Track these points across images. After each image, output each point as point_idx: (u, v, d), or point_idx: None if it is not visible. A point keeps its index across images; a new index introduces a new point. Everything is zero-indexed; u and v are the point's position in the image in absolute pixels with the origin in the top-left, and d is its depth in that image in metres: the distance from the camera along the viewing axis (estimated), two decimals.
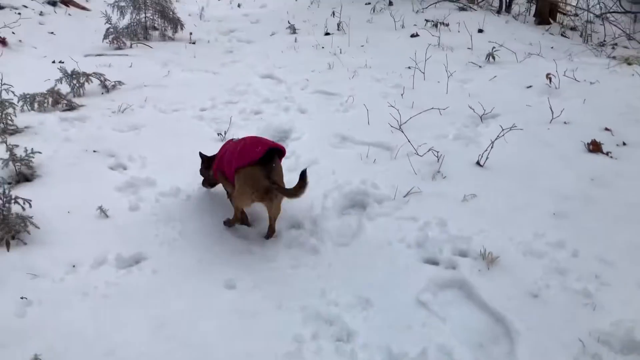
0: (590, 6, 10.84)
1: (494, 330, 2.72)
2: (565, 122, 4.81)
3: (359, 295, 2.96)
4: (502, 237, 3.33)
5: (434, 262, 3.20)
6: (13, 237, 3.23)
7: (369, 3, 10.71)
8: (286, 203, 3.49)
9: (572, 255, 3.16)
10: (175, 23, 9.15)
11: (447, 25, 8.82)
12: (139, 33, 8.71)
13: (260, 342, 2.66)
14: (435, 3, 10.28)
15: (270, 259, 3.29)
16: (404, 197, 3.81)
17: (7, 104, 4.49)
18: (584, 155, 4.30)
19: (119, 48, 8.07)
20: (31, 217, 3.30)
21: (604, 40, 9.39)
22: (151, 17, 8.98)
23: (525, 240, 3.29)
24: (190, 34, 9.26)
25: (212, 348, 2.62)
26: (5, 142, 3.90)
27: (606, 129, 4.67)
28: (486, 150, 4.18)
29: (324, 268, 3.20)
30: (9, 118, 4.53)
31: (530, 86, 5.82)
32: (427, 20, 9.02)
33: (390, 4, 10.61)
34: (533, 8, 11.41)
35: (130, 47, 8.20)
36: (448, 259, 3.19)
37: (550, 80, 5.71)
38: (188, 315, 2.80)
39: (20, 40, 7.47)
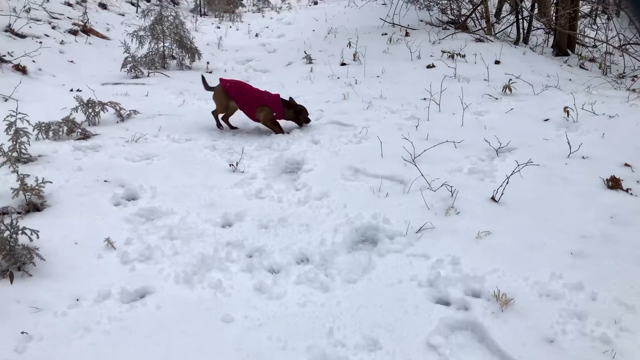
0: (609, 37, 10.78)
1: None
2: (583, 157, 4.71)
3: (367, 335, 2.84)
4: (517, 277, 3.21)
5: (446, 303, 3.08)
6: (19, 269, 3.20)
7: (386, 34, 10.77)
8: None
9: (591, 298, 3.03)
10: (193, 52, 9.28)
11: (464, 56, 8.80)
12: (156, 62, 8.84)
13: None
14: (452, 34, 10.29)
15: (278, 296, 3.20)
16: (416, 233, 3.72)
17: (21, 132, 4.52)
18: (602, 191, 4.19)
19: (136, 77, 8.18)
20: (37, 249, 3.27)
21: (624, 72, 9.31)
22: (169, 47, 9.11)
23: (541, 281, 3.16)
24: (208, 63, 9.38)
25: None
26: (17, 172, 3.90)
27: (626, 165, 4.56)
28: (501, 185, 4.08)
29: (333, 306, 3.10)
30: (23, 147, 4.56)
31: (547, 119, 5.74)
32: (443, 51, 9.02)
33: (407, 34, 10.65)
34: (551, 39, 11.39)
35: (148, 76, 8.31)
36: (460, 300, 3.07)
37: (568, 114, 5.63)
38: (191, 353, 2.72)
39: (40, 69, 7.59)
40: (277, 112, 5.89)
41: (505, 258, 3.40)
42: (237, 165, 4.90)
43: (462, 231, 3.71)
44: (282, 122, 6.03)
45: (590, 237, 3.60)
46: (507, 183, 4.08)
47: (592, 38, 11.90)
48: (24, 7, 9.46)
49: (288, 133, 5.85)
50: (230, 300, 3.15)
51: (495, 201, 4.07)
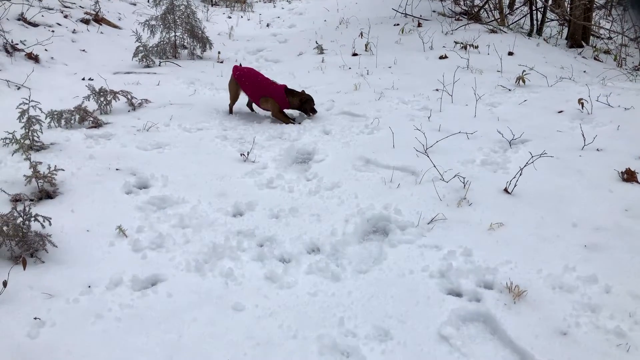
0: (625, 29, 10.64)
1: None
2: (598, 149, 4.65)
3: (379, 326, 2.83)
4: (530, 269, 3.18)
5: (457, 294, 3.06)
6: (32, 255, 3.21)
7: (398, 24, 10.70)
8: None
9: (605, 290, 3.00)
10: (204, 42, 9.27)
11: (477, 47, 8.73)
12: (168, 51, 8.83)
13: None
14: (465, 25, 10.20)
15: (289, 285, 3.19)
16: (428, 224, 3.70)
17: (34, 120, 4.53)
18: (617, 184, 4.14)
19: (147, 66, 8.18)
20: (50, 236, 3.29)
21: (639, 65, 9.18)
22: (180, 36, 9.10)
23: (554, 274, 3.14)
24: (219, 53, 9.36)
25: None
26: (29, 159, 3.92)
27: None
28: (514, 177, 4.04)
29: (344, 296, 3.09)
30: (36, 134, 4.58)
31: (561, 111, 5.67)
32: (456, 42, 8.95)
33: (419, 25, 10.57)
34: (565, 31, 11.26)
35: (159, 65, 8.31)
36: (472, 291, 3.05)
37: (583, 106, 5.56)
38: (202, 341, 2.72)
39: (52, 58, 7.62)
40: (281, 103, 5.94)
41: (518, 250, 3.38)
42: (248, 155, 4.89)
43: (475, 222, 3.69)
44: (294, 113, 6.03)
45: (604, 229, 3.56)
46: (520, 175, 4.04)
47: (607, 29, 11.75)
48: None
49: (299, 123, 5.83)
50: (241, 289, 3.15)
51: (508, 193, 4.03)
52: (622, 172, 4.21)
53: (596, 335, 2.70)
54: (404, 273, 3.24)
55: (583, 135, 4.76)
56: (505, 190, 4.06)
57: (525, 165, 4.10)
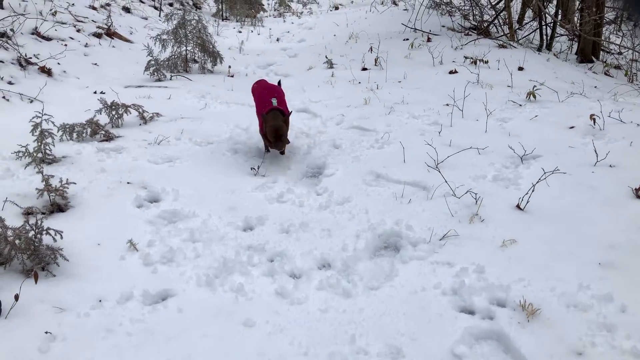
0: (635, 44, 10.61)
1: None
2: (610, 166, 4.61)
3: (390, 343, 2.80)
4: (544, 287, 3.14)
5: (470, 312, 3.02)
6: (43, 269, 3.22)
7: (407, 39, 10.73)
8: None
9: (620, 310, 2.95)
10: (215, 56, 9.33)
11: (487, 62, 8.72)
12: (179, 65, 8.89)
13: None
14: (475, 40, 10.21)
15: (300, 301, 3.17)
16: (440, 240, 3.67)
17: (46, 133, 4.56)
18: (631, 201, 4.09)
19: (159, 80, 8.23)
20: (61, 249, 3.29)
21: None
22: (192, 50, 9.17)
23: (568, 292, 3.09)
24: (229, 67, 9.41)
25: None
26: (42, 172, 3.94)
27: None
28: (527, 193, 4.01)
29: (355, 313, 3.06)
30: (48, 148, 4.60)
31: (572, 127, 5.64)
32: (466, 57, 8.95)
33: (429, 40, 10.60)
34: (575, 46, 11.25)
35: (170, 79, 8.36)
36: (485, 309, 3.01)
37: (594, 121, 5.52)
38: (213, 357, 2.70)
39: (64, 71, 7.68)
40: (260, 126, 5.25)
41: (531, 267, 3.34)
42: (258, 169, 4.89)
43: (487, 239, 3.65)
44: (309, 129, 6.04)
45: (618, 247, 3.51)
46: (532, 191, 4.01)
47: (617, 45, 11.72)
48: (50, 10, 9.60)
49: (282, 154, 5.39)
50: (252, 304, 3.13)
51: (521, 209, 4.00)
52: (635, 189, 4.17)
53: (612, 356, 2.65)
54: (416, 290, 3.21)
55: (595, 152, 4.72)
56: (518, 206, 4.03)
57: (537, 182, 4.08)
